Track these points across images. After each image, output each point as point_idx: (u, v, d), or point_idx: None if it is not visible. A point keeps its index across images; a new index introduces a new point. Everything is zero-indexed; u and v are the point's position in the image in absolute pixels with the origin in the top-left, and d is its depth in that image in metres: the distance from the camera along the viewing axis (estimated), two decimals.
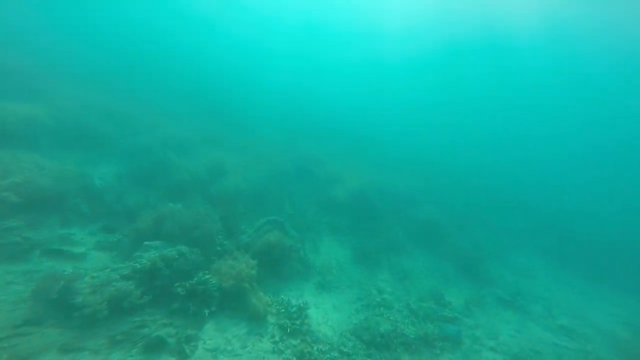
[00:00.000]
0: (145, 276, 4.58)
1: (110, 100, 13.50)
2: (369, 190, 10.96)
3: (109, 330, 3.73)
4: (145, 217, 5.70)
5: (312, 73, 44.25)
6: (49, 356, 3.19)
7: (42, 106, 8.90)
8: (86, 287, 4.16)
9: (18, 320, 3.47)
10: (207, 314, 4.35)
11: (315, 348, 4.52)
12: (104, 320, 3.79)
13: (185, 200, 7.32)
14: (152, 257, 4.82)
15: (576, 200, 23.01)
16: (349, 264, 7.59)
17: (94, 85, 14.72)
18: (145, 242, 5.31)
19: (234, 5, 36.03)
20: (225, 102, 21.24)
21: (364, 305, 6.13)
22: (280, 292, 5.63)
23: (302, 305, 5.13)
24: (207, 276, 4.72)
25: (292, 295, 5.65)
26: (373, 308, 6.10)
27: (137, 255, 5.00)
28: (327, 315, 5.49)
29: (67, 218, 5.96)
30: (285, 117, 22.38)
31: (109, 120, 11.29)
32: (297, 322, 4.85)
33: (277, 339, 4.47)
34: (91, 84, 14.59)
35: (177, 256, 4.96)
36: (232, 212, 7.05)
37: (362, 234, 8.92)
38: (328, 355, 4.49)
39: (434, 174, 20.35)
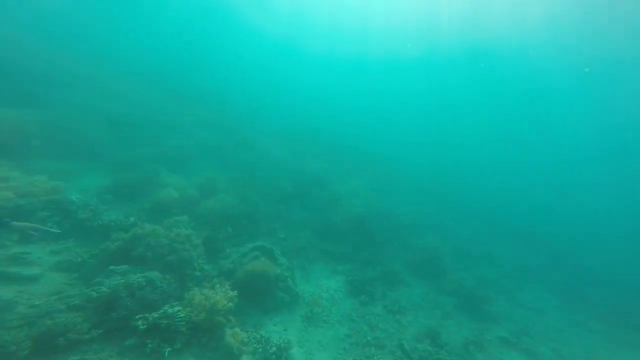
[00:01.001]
0: (100, 306, 3.99)
1: (118, 109, 13.28)
2: (369, 216, 10.48)
3: None
4: (117, 238, 5.21)
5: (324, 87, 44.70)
6: None
7: (36, 112, 8.71)
8: (15, 320, 3.54)
9: None
10: (167, 354, 3.74)
11: None
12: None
13: (168, 220, 6.85)
14: (114, 284, 4.29)
15: (588, 231, 22.26)
16: (341, 295, 6.97)
17: (101, 92, 14.60)
18: (110, 267, 4.77)
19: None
20: (233, 115, 21.20)
21: (353, 344, 5.49)
22: (262, 327, 5.05)
23: (283, 344, 4.52)
24: (175, 308, 4.15)
25: (275, 331, 5.06)
26: (363, 347, 5.47)
27: (96, 282, 4.46)
28: (311, 355, 4.87)
29: (29, 235, 5.47)
30: (292, 132, 22.18)
31: (111, 129, 11.09)
32: None
33: None
34: (98, 92, 14.47)
35: (144, 284, 4.42)
36: (217, 234, 6.57)
37: (359, 263, 8.35)
38: None
39: (441, 195, 19.87)
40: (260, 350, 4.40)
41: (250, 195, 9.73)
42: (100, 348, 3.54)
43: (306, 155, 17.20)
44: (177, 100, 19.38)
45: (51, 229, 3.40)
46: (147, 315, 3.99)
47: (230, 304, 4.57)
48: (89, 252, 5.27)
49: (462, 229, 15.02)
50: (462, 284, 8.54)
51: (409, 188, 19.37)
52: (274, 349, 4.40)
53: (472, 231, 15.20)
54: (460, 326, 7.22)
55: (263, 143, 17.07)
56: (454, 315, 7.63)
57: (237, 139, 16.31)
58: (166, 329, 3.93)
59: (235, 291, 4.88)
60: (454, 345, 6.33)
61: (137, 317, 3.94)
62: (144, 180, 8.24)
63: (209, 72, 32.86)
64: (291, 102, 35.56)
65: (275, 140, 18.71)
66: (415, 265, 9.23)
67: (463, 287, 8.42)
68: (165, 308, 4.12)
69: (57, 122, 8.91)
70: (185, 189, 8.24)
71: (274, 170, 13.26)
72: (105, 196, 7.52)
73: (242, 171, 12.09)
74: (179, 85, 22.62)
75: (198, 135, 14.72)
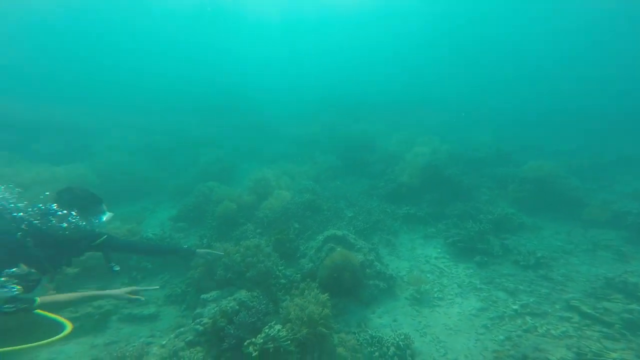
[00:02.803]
0: (212, 338, 3.76)
1: (151, 140, 13.94)
2: (441, 162, 8.92)
3: None
4: (196, 264, 5.01)
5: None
6: None
7: (85, 163, 9.28)
8: None
9: None
10: None
11: None
12: None
13: (236, 232, 6.60)
14: (212, 313, 4.02)
15: None
16: (447, 262, 5.70)
17: (134, 127, 15.26)
18: (202, 296, 4.55)
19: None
20: (258, 112, 20.98)
21: (494, 319, 4.23)
22: (368, 323, 4.19)
23: (400, 342, 3.64)
24: (274, 328, 3.70)
25: (384, 324, 4.17)
26: (512, 320, 4.16)
27: (197, 313, 4.25)
28: (442, 343, 3.82)
29: (132, 277, 5.68)
30: (319, 109, 21.09)
31: (151, 162, 11.56)
32: None
33: None
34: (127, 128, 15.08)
35: (237, 307, 4.06)
36: (285, 235, 6.08)
37: (453, 218, 6.87)
38: None
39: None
40: (376, 354, 3.57)
41: (302, 181, 9.09)
42: None
43: (337, 127, 16.02)
44: (191, 114, 19.82)
45: (151, 287, 3.23)
46: (253, 340, 3.64)
47: (326, 310, 3.96)
48: (185, 281, 5.26)
49: (566, 144, 12.25)
50: (621, 211, 6.38)
51: (470, 124, 16.82)
52: (392, 349, 3.67)
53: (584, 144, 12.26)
54: None
55: (292, 129, 16.43)
56: (634, 252, 5.57)
57: (267, 135, 15.95)
58: (274, 353, 3.51)
59: (327, 294, 4.28)
60: None
61: (246, 343, 3.61)
62: (201, 201, 8.20)
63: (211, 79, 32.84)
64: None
65: (301, 122, 17.93)
66: (528, 201, 7.30)
67: (627, 214, 6.23)
68: (266, 330, 3.69)
69: (102, 170, 9.50)
70: (240, 196, 7.92)
71: (314, 150, 12.41)
72: (178, 224, 7.66)
73: (285, 161, 11.47)
74: (184, 100, 23.08)
75: (229, 144, 14.64)
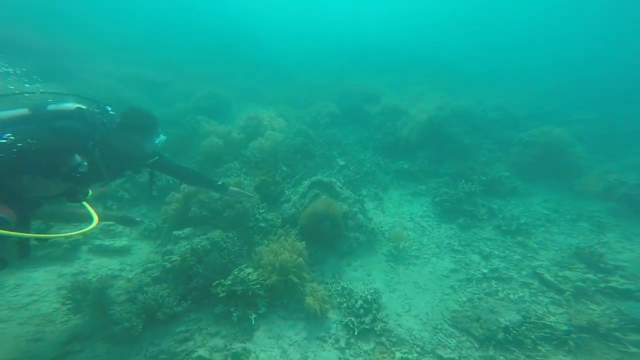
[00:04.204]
0: (179, 276, 3.77)
1: (143, 71, 13.09)
2: (444, 119, 8.28)
3: (153, 346, 3.05)
4: (171, 199, 4.79)
5: None
6: None
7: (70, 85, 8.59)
8: (121, 294, 3.57)
9: (67, 335, 3.02)
10: (253, 320, 3.41)
11: (397, 354, 3.14)
12: (144, 334, 3.13)
13: (220, 169, 6.34)
14: (182, 251, 3.98)
15: None
16: (430, 222, 5.67)
17: (125, 57, 14.44)
18: (174, 232, 4.50)
19: None
20: (262, 54, 19.44)
21: (463, 281, 4.33)
22: (342, 275, 4.25)
23: (369, 296, 3.68)
24: (245, 271, 3.68)
25: (357, 278, 4.25)
26: (478, 283, 4.26)
27: (166, 250, 4.22)
28: (408, 300, 3.95)
29: (107, 206, 5.60)
30: (327, 58, 19.73)
31: (142, 92, 10.84)
32: (367, 318, 3.49)
33: (342, 344, 3.24)
34: (122, 56, 14.31)
35: (209, 247, 4.00)
36: (271, 177, 5.83)
37: (445, 177, 6.68)
38: None
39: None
40: (345, 305, 3.67)
41: (297, 125, 8.55)
42: (198, 318, 3.36)
43: (344, 77, 15.03)
44: (202, 54, 18.27)
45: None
46: (222, 281, 3.65)
47: (300, 258, 3.91)
48: (161, 217, 5.18)
49: (586, 113, 11.37)
50: (616, 182, 6.09)
51: (482, 85, 15.44)
52: (360, 302, 3.70)
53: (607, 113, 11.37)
54: (633, 241, 5.13)
55: (299, 76, 15.47)
56: (614, 225, 5.55)
57: (272, 78, 14.89)
58: (243, 295, 3.55)
59: (304, 242, 4.21)
60: (631, 267, 4.42)
61: (214, 283, 3.62)
62: (188, 134, 7.79)
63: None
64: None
65: (309, 70, 16.78)
66: (527, 166, 7.00)
67: (620, 185, 5.97)
68: (235, 272, 3.68)
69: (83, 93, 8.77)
70: (229, 133, 7.47)
71: (315, 96, 11.61)
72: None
73: (284, 104, 10.73)
74: (199, 41, 20.88)
75: (230, 82, 13.56)
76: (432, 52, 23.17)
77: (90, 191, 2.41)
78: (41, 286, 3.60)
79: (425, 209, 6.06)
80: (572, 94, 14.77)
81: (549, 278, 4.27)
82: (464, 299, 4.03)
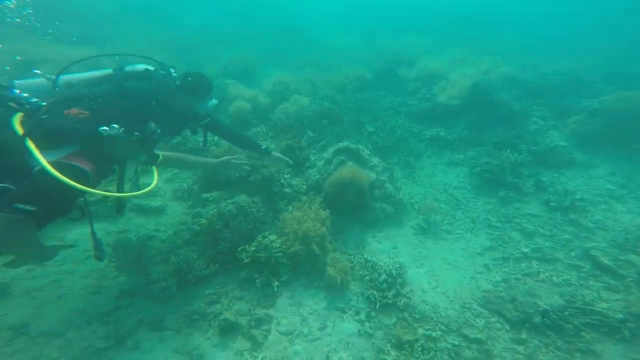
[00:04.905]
0: (208, 239, 3.87)
1: (174, 34, 13.08)
2: (492, 84, 7.26)
3: (187, 306, 3.26)
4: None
5: None
6: (142, 334, 2.92)
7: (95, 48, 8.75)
8: (157, 255, 3.75)
9: (118, 290, 3.33)
10: (276, 288, 3.46)
11: (420, 331, 3.01)
12: (178, 293, 3.34)
13: (247, 133, 6.28)
14: (209, 215, 4.08)
15: None
16: (466, 194, 5.19)
17: (149, 20, 14.45)
18: (203, 195, 4.60)
19: None
20: (287, 18, 18.28)
21: (498, 260, 3.96)
22: (365, 247, 4.08)
23: (394, 270, 3.49)
24: (268, 238, 3.69)
25: (382, 250, 4.06)
26: (517, 262, 3.86)
27: (195, 213, 4.36)
28: (436, 276, 3.72)
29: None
30: (354, 20, 18.17)
31: (174, 55, 10.90)
32: (390, 293, 3.34)
33: (362, 316, 3.17)
34: (146, 19, 14.32)
35: (235, 212, 4.04)
36: (297, 141, 5.65)
37: (487, 146, 5.98)
38: (443, 343, 2.93)
39: None
40: (367, 278, 3.53)
41: (325, 91, 8.05)
42: (225, 281, 3.49)
43: (376, 38, 13.80)
44: (228, 17, 17.78)
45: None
46: (246, 247, 3.72)
47: (323, 228, 3.79)
48: (191, 177, 5.33)
49: None
50: None
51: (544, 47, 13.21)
52: (383, 276, 3.55)
53: None
54: None
55: (328, 37, 14.60)
56: None
57: (300, 39, 14.25)
58: (266, 262, 3.59)
59: (327, 211, 4.08)
60: None
61: (239, 249, 3.70)
62: (218, 97, 7.72)
63: None
64: None
65: (335, 30, 15.73)
66: (591, 135, 6.02)
67: None
68: (259, 239, 3.70)
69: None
70: (255, 97, 7.27)
71: (343, 60, 10.86)
72: None
73: (311, 68, 10.11)
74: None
75: (256, 45, 13.06)
76: (478, 13, 20.25)
77: (160, 155, 2.64)
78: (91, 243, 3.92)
79: (462, 179, 5.55)
80: None
81: (606, 261, 3.74)
82: (498, 278, 3.71)
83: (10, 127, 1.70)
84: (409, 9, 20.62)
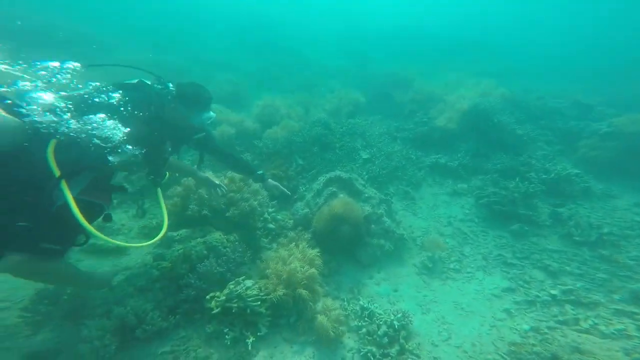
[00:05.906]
0: (169, 286, 3.22)
1: (164, 59, 13.07)
2: (492, 107, 7.00)
3: None
4: (172, 194, 4.23)
5: None
6: None
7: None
8: (102, 306, 3.06)
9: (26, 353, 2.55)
10: (250, 346, 2.75)
11: None
12: (118, 355, 2.59)
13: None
14: (174, 256, 3.43)
15: None
16: (474, 227, 4.64)
17: (145, 45, 14.50)
18: (169, 233, 3.95)
19: None
20: (280, 40, 18.73)
21: (521, 303, 3.34)
22: (362, 290, 3.46)
23: (396, 321, 2.85)
24: (242, 284, 3.01)
25: (381, 293, 3.43)
26: (545, 307, 3.24)
27: (157, 255, 3.70)
28: (447, 325, 3.09)
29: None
30: (349, 44, 18.55)
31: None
32: (392, 350, 2.68)
33: None
34: (143, 45, 14.38)
35: (205, 253, 3.40)
36: (284, 171, 5.14)
37: (492, 174, 5.54)
38: None
39: None
40: (364, 330, 2.88)
41: (316, 114, 7.75)
42: (187, 335, 2.78)
43: (369, 62, 14.02)
44: (219, 40, 18.01)
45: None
46: (217, 294, 3.03)
47: (313, 269, 3.18)
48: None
49: None
50: None
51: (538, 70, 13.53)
52: (383, 328, 2.89)
53: None
54: None
55: (320, 59, 14.84)
56: None
57: (292, 62, 14.19)
58: (240, 313, 2.90)
59: (317, 249, 3.46)
60: None
61: (208, 296, 3.01)
62: None
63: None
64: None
65: (329, 54, 16.09)
66: (604, 162, 5.64)
67: None
68: (231, 287, 3.03)
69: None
70: (242, 122, 6.88)
71: (336, 84, 10.79)
72: None
73: (303, 91, 9.93)
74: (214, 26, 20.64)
75: (247, 68, 13.15)
76: (470, 37, 21.07)
77: (167, 173, 2.67)
78: (17, 290, 3.20)
79: (467, 211, 5.00)
80: None
81: None
82: (526, 327, 3.04)
83: (44, 161, 1.76)
84: (403, 32, 21.28)
